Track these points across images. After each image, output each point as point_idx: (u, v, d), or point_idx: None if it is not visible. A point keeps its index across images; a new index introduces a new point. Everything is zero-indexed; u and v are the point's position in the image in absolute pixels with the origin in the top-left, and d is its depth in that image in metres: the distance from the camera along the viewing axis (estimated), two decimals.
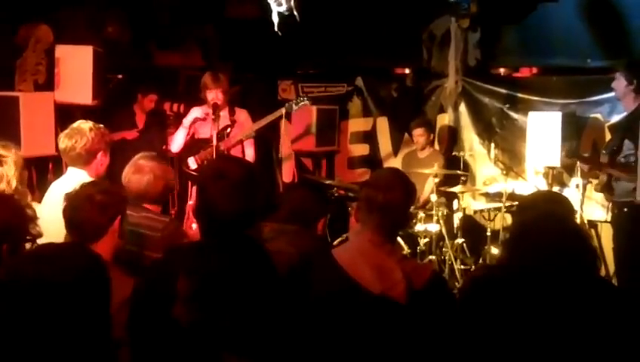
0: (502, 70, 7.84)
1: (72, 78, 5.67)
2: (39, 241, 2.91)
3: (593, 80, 6.61)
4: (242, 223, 2.36)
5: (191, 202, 5.96)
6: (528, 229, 2.52)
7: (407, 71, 8.32)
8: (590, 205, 6.50)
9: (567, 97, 6.94)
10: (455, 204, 7.38)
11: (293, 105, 6.47)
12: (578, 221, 6.03)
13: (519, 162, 7.14)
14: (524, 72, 7.81)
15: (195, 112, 6.09)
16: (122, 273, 2.80)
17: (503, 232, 6.55)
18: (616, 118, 6.29)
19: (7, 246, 2.70)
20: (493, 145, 7.10)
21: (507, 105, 7.46)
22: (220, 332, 2.05)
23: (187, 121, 6.07)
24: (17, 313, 1.88)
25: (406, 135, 7.86)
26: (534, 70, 7.73)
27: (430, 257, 6.69)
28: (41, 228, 2.93)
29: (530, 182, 6.82)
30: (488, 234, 6.77)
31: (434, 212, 6.71)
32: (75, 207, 2.93)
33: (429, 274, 2.64)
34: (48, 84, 5.88)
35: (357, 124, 8.45)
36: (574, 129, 6.71)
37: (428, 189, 7.09)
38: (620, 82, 5.41)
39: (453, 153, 7.50)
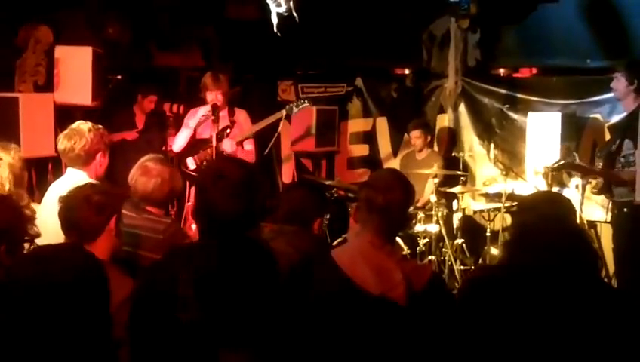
0: (502, 70, 7.84)
1: (71, 79, 5.68)
2: (38, 242, 2.92)
3: (593, 80, 6.62)
4: (242, 224, 2.36)
5: (190, 203, 5.97)
6: (529, 230, 2.51)
7: (406, 71, 8.32)
8: (590, 205, 6.50)
9: (567, 98, 6.95)
10: (455, 205, 7.38)
11: (294, 108, 6.48)
12: (578, 221, 6.03)
13: (519, 162, 7.14)
14: (524, 73, 7.81)
15: (202, 111, 6.06)
16: (120, 272, 2.80)
17: (502, 233, 6.56)
18: (616, 119, 6.28)
19: (5, 247, 2.71)
20: (492, 145, 7.10)
21: (507, 106, 7.47)
22: (220, 332, 2.05)
23: (193, 121, 6.05)
24: (16, 314, 1.88)
25: (406, 135, 7.87)
26: (534, 70, 7.73)
27: (430, 258, 6.69)
28: (39, 229, 2.94)
29: (530, 183, 6.82)
30: (488, 234, 6.77)
31: (433, 212, 6.71)
32: (71, 208, 2.93)
33: (429, 275, 2.64)
34: (48, 84, 5.88)
35: (357, 125, 8.45)
36: (574, 129, 6.71)
37: (428, 191, 7.09)
38: (620, 82, 5.40)
39: (453, 153, 7.50)
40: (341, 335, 2.53)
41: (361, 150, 8.47)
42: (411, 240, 6.71)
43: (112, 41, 7.03)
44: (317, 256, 2.79)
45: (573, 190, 6.41)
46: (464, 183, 7.12)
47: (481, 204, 7.32)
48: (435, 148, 7.92)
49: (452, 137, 7.93)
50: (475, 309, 2.33)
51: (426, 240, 6.75)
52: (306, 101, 6.61)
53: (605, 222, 6.20)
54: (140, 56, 7.64)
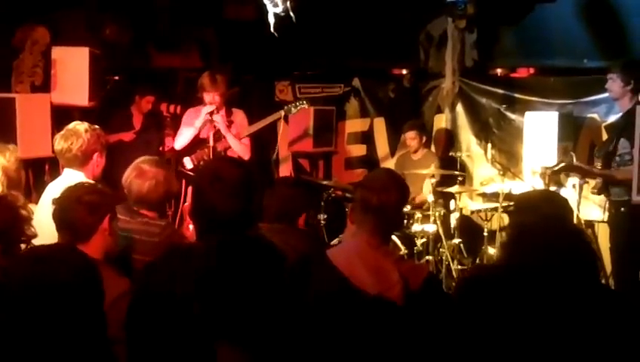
0: (499, 70, 7.83)
1: (68, 80, 5.68)
2: (34, 242, 2.93)
3: (590, 80, 6.61)
4: (240, 224, 2.36)
5: (187, 203, 5.96)
6: (529, 230, 2.51)
7: (404, 71, 8.32)
8: (587, 205, 6.50)
9: (564, 97, 6.95)
10: (452, 205, 7.38)
11: (292, 109, 6.48)
12: (575, 221, 6.04)
13: (516, 162, 7.15)
14: (522, 73, 7.81)
15: (205, 111, 6.02)
16: (113, 271, 2.80)
17: (500, 233, 6.56)
18: (613, 118, 6.29)
19: (2, 247, 2.71)
20: (490, 145, 7.10)
21: (504, 106, 7.47)
22: (222, 328, 2.04)
23: (199, 121, 6.02)
24: (12, 314, 1.88)
25: (402, 136, 7.87)
26: (531, 70, 7.73)
27: (427, 257, 6.69)
28: (35, 229, 2.94)
29: (527, 183, 6.82)
30: (485, 234, 6.77)
31: (431, 212, 6.71)
32: (64, 208, 2.94)
33: (425, 275, 2.65)
34: (45, 85, 5.87)
35: (354, 125, 8.45)
36: (571, 129, 6.71)
37: (426, 190, 7.09)
38: (615, 83, 5.40)
39: (450, 153, 7.51)
40: (339, 335, 2.53)
41: (358, 150, 8.47)
42: (409, 240, 6.70)
43: (110, 41, 7.02)
44: (314, 255, 2.79)
45: (570, 190, 6.41)
46: (461, 183, 7.12)
47: (479, 204, 7.32)
48: (433, 148, 7.92)
49: (449, 137, 7.93)
50: (471, 308, 2.33)
51: (424, 240, 6.75)
52: (304, 102, 6.61)
53: (602, 221, 6.19)
54: (138, 57, 7.64)
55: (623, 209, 5.25)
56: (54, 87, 5.68)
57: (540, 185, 6.60)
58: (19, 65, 6.00)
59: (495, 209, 6.76)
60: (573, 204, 6.05)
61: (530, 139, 6.55)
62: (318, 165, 8.32)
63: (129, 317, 2.29)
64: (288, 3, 5.30)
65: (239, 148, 6.05)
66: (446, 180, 7.08)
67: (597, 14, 6.68)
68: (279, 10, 5.32)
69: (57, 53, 5.75)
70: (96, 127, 4.06)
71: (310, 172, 8.27)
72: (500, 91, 7.51)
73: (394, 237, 6.27)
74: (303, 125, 7.67)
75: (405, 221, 6.74)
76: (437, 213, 6.74)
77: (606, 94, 5.75)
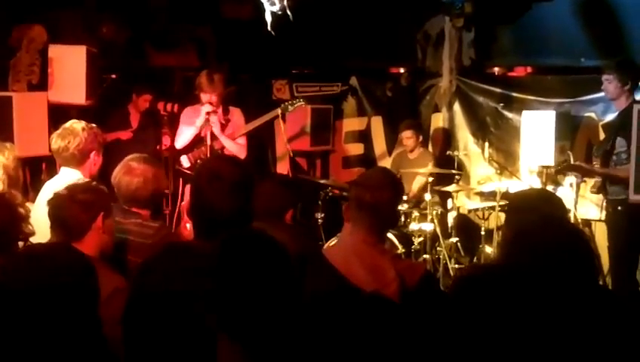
0: (496, 69, 7.84)
1: (65, 78, 5.67)
2: (32, 240, 2.92)
3: (587, 79, 6.61)
4: (238, 222, 2.36)
5: (184, 202, 5.96)
6: (528, 230, 2.50)
7: (401, 70, 8.33)
8: (584, 204, 6.51)
9: (562, 96, 6.95)
10: (449, 203, 7.39)
11: (289, 107, 6.48)
12: (572, 220, 6.05)
13: (513, 161, 7.15)
14: (519, 72, 7.82)
15: (205, 110, 6.01)
16: (107, 268, 2.78)
17: (497, 231, 6.56)
18: (610, 117, 6.29)
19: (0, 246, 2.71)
20: (487, 144, 7.10)
21: (501, 105, 7.47)
22: (228, 326, 2.02)
23: (200, 120, 6.02)
24: (7, 313, 1.87)
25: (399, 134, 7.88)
26: (529, 69, 7.74)
27: (424, 256, 6.69)
28: (33, 227, 2.93)
29: (525, 182, 6.83)
30: (482, 233, 6.78)
31: (428, 211, 6.71)
32: (58, 206, 2.93)
33: (422, 273, 2.66)
34: (42, 84, 5.87)
35: (351, 124, 8.45)
36: (569, 128, 6.71)
37: (416, 185, 7.12)
38: (612, 84, 5.39)
39: (448, 152, 7.51)
40: (336, 333, 2.53)
41: (356, 149, 8.47)
42: (406, 239, 6.70)
43: (107, 40, 7.02)
44: (310, 254, 2.79)
45: (567, 189, 6.42)
46: (458, 182, 7.13)
47: (476, 203, 7.32)
48: (430, 147, 7.93)
49: (447, 136, 7.93)
50: (467, 307, 2.33)
51: (421, 238, 6.76)
52: (300, 100, 6.61)
53: (600, 220, 6.21)
54: (135, 56, 7.64)
55: (620, 208, 5.26)
56: (51, 86, 5.67)
57: (537, 184, 6.62)
58: (16, 64, 6.00)
59: (492, 208, 6.77)
60: (570, 202, 6.09)
61: (527, 138, 6.55)
62: (315, 164, 8.32)
63: (126, 316, 2.29)
64: (285, 2, 5.30)
65: (234, 148, 6.05)
66: (443, 179, 7.08)
67: (594, 13, 6.69)
68: (276, 8, 5.32)
69: (54, 51, 5.74)
70: (94, 125, 4.06)
71: (308, 171, 8.27)
72: (498, 90, 7.51)
73: (391, 236, 6.28)
74: (300, 124, 7.67)
75: (403, 220, 6.75)
76: (434, 212, 6.75)
77: (603, 93, 5.75)
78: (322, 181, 7.32)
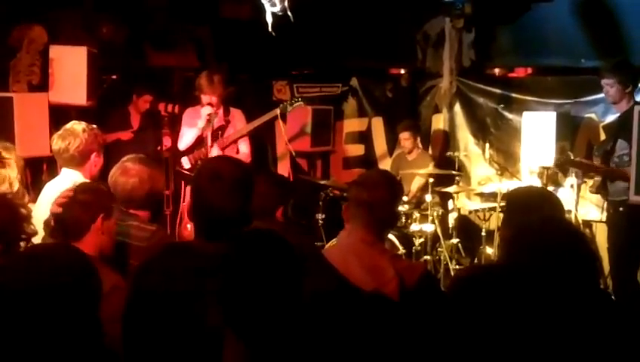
0: (496, 70, 7.84)
1: (66, 79, 5.67)
2: (33, 240, 2.92)
3: (587, 80, 6.62)
4: (239, 222, 2.35)
5: (185, 203, 5.96)
6: (529, 230, 2.50)
7: (402, 71, 8.33)
8: (585, 205, 6.51)
9: (562, 97, 6.96)
10: (450, 204, 7.39)
11: (288, 107, 6.48)
12: (573, 221, 6.05)
13: (514, 162, 7.16)
14: (519, 72, 7.82)
15: (206, 112, 6.00)
16: (105, 267, 2.76)
17: (498, 232, 6.56)
18: (610, 118, 6.30)
19: (2, 247, 2.71)
20: (487, 145, 7.10)
21: (502, 106, 7.47)
22: (235, 325, 2.01)
23: (201, 122, 6.01)
24: (8, 312, 1.87)
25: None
26: (529, 70, 7.74)
27: (425, 257, 6.69)
28: (35, 227, 2.93)
29: (525, 182, 6.83)
30: (483, 234, 6.78)
31: (429, 212, 6.71)
32: (59, 206, 2.93)
33: (421, 273, 2.66)
34: (42, 84, 5.87)
35: (352, 125, 8.46)
36: (569, 129, 6.72)
37: (415, 186, 7.14)
38: (614, 88, 5.37)
39: (448, 153, 7.51)
40: (338, 333, 2.53)
41: (356, 150, 8.48)
42: (407, 239, 6.70)
43: (107, 40, 7.02)
44: (310, 253, 2.80)
45: (568, 189, 6.42)
46: (458, 183, 7.13)
47: (477, 204, 7.33)
48: (430, 147, 7.94)
49: (447, 137, 7.94)
50: (466, 307, 2.33)
51: (422, 239, 6.75)
52: (299, 99, 6.61)
53: (600, 221, 6.21)
54: (134, 56, 7.64)
55: (621, 209, 5.25)
56: (52, 87, 5.67)
57: (537, 184, 6.61)
58: (16, 65, 6.00)
59: (493, 208, 6.77)
60: (571, 203, 6.09)
61: (527, 138, 6.55)
62: (315, 164, 8.32)
63: (126, 316, 2.28)
64: (286, 2, 5.29)
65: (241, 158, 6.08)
66: (444, 180, 7.08)
67: (594, 14, 6.69)
68: (277, 9, 5.32)
69: (55, 52, 5.74)
70: (94, 126, 4.05)
71: (308, 171, 8.27)
72: (498, 91, 7.52)
73: (392, 237, 6.28)
74: (301, 124, 7.68)
75: (403, 221, 6.75)
76: (435, 213, 6.75)
77: (603, 94, 5.74)
78: (323, 182, 7.32)
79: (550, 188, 6.21)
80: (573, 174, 6.24)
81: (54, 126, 4.92)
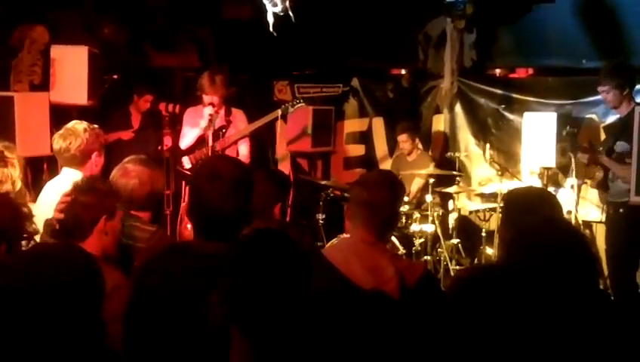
0: (497, 71, 7.85)
1: (67, 79, 5.68)
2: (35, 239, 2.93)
3: (588, 81, 6.60)
4: (238, 221, 2.35)
5: (185, 203, 5.96)
6: (529, 232, 2.50)
7: (402, 72, 8.33)
8: (585, 205, 6.51)
9: (563, 98, 6.95)
10: (450, 205, 7.39)
11: (289, 108, 6.48)
12: (573, 221, 6.04)
13: (515, 163, 7.15)
14: (520, 73, 7.82)
15: (207, 112, 6.01)
16: (108, 267, 2.75)
17: (498, 233, 6.56)
18: (611, 119, 6.30)
19: (5, 245, 2.71)
20: (488, 145, 7.10)
21: (503, 106, 7.47)
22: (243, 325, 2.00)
23: (204, 122, 6.01)
24: (9, 312, 1.88)
25: None
26: (530, 71, 7.75)
27: (425, 257, 6.69)
28: (37, 226, 2.94)
29: (526, 183, 6.82)
30: (483, 234, 6.78)
31: (429, 212, 6.71)
32: (60, 213, 2.91)
33: (421, 272, 2.67)
34: (44, 84, 5.88)
35: (353, 125, 8.46)
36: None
37: (415, 187, 7.15)
38: (611, 94, 5.36)
39: (449, 153, 7.51)
40: (339, 332, 2.53)
41: (357, 150, 8.48)
42: (407, 240, 6.71)
43: (108, 40, 7.03)
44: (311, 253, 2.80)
45: (568, 190, 6.42)
46: (459, 183, 7.13)
47: (477, 204, 7.33)
48: (431, 148, 7.94)
49: (448, 137, 7.94)
50: (465, 307, 2.33)
51: (422, 240, 6.76)
52: (301, 101, 6.62)
53: (601, 222, 6.21)
54: (135, 56, 7.65)
55: (621, 210, 5.25)
56: (53, 86, 5.68)
57: (538, 185, 6.61)
58: (17, 64, 6.01)
59: (493, 209, 6.77)
60: (571, 204, 6.09)
61: (528, 139, 6.55)
62: (316, 165, 8.32)
63: (127, 316, 2.29)
64: (287, 2, 5.30)
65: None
66: (444, 180, 7.08)
67: (595, 15, 6.69)
68: (278, 9, 5.32)
69: (56, 52, 5.75)
70: (95, 126, 4.06)
71: (309, 171, 8.28)
72: (499, 91, 7.52)
73: (392, 238, 6.28)
74: (301, 125, 7.68)
75: (403, 221, 6.75)
76: (435, 213, 6.75)
77: None
78: (323, 182, 7.33)
79: (550, 189, 6.21)
80: (574, 174, 6.23)
81: (55, 125, 4.92)
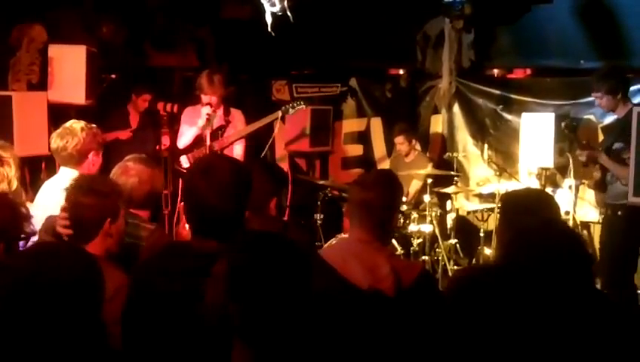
0: (496, 71, 7.86)
1: (65, 78, 5.68)
2: (33, 239, 2.92)
3: (587, 81, 6.57)
4: (234, 219, 2.34)
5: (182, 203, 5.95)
6: (528, 233, 2.50)
7: (401, 72, 8.34)
8: (583, 206, 6.51)
9: (561, 98, 6.96)
10: (448, 205, 7.39)
11: (290, 109, 6.47)
12: (571, 222, 6.05)
13: (513, 163, 7.16)
14: (518, 73, 7.83)
15: (205, 111, 6.01)
16: (111, 267, 2.75)
17: (496, 233, 6.56)
18: (609, 120, 6.30)
19: (3, 245, 2.71)
20: (486, 145, 7.11)
21: (501, 106, 7.48)
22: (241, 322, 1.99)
23: (202, 121, 6.01)
24: (10, 310, 1.88)
25: None
26: (528, 71, 7.75)
27: (423, 257, 6.70)
28: (35, 226, 2.93)
29: (524, 183, 6.83)
30: (482, 234, 6.78)
31: (427, 212, 6.72)
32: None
33: (418, 272, 2.67)
34: (42, 83, 5.87)
35: (351, 125, 8.46)
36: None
37: (413, 189, 7.17)
38: (604, 99, 5.35)
39: (447, 154, 7.52)
40: (338, 332, 2.53)
41: (355, 150, 8.48)
42: (405, 240, 6.72)
43: (107, 40, 7.03)
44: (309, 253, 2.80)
45: (566, 190, 6.43)
46: (457, 183, 7.13)
47: (475, 205, 7.34)
48: (429, 148, 7.94)
49: (446, 138, 7.94)
50: (462, 308, 2.33)
51: (420, 240, 6.76)
52: (302, 102, 6.61)
53: (599, 223, 6.21)
54: (134, 56, 7.64)
55: (620, 213, 5.24)
56: (51, 85, 5.67)
57: (536, 185, 6.62)
58: (15, 63, 6.00)
59: (491, 209, 6.78)
60: (569, 204, 6.10)
61: (526, 139, 6.56)
62: (314, 165, 8.33)
63: (125, 315, 2.28)
64: (286, 2, 5.30)
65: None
66: (442, 180, 7.09)
67: (593, 15, 6.70)
68: (277, 9, 5.32)
69: (54, 51, 5.74)
70: (93, 125, 4.05)
71: (307, 171, 8.28)
72: (497, 92, 7.53)
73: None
74: (300, 125, 7.67)
75: (402, 221, 6.75)
76: (433, 214, 6.76)
77: None
78: (321, 182, 7.33)
79: (548, 190, 6.23)
80: (572, 175, 6.24)
81: (53, 125, 4.92)
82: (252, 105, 7.47)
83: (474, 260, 6.88)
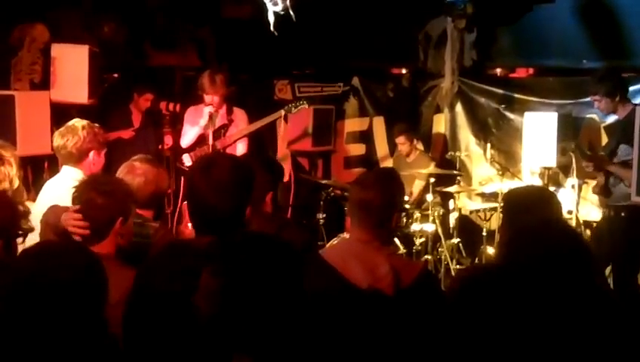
0: (498, 70, 7.85)
1: (67, 77, 5.69)
2: (31, 236, 2.92)
3: (589, 81, 6.61)
4: (236, 217, 2.34)
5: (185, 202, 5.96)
6: (529, 232, 2.50)
7: (403, 71, 8.34)
8: (586, 205, 6.50)
9: (563, 98, 6.95)
10: (451, 204, 7.39)
11: (292, 108, 6.48)
12: (574, 221, 6.04)
13: (515, 162, 7.15)
14: (520, 73, 7.82)
15: (207, 111, 6.01)
16: (122, 267, 2.74)
17: (498, 232, 6.56)
18: (612, 119, 6.28)
19: (2, 242, 2.72)
20: (489, 145, 7.10)
21: (503, 106, 7.47)
22: (237, 331, 1.99)
23: (204, 120, 6.02)
24: (11, 310, 1.88)
25: None
26: (530, 71, 7.75)
27: (426, 257, 6.70)
28: (32, 223, 2.93)
29: (526, 183, 6.82)
30: (484, 234, 6.77)
31: (430, 212, 6.72)
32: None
33: (419, 271, 2.66)
34: (44, 83, 5.88)
35: (353, 124, 8.46)
36: (570, 129, 6.70)
37: (416, 189, 7.17)
38: (602, 102, 5.36)
39: (449, 153, 7.51)
40: (337, 332, 2.53)
41: (357, 149, 8.48)
42: (408, 239, 6.72)
43: (108, 39, 7.03)
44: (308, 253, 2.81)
45: (569, 190, 6.42)
46: (459, 183, 7.13)
47: (478, 204, 7.33)
48: (431, 148, 7.94)
49: (448, 137, 7.94)
50: (464, 307, 2.33)
51: (422, 239, 6.76)
52: (304, 102, 6.61)
53: None
54: (135, 55, 7.65)
55: (623, 214, 5.23)
56: (53, 85, 5.69)
57: (538, 184, 6.61)
58: (18, 63, 6.01)
59: (494, 209, 6.77)
60: (572, 204, 6.09)
61: (529, 139, 6.55)
62: (317, 164, 8.32)
63: (127, 315, 2.28)
64: (288, 2, 5.30)
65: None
66: (445, 180, 7.08)
67: (596, 15, 6.69)
68: (279, 8, 5.32)
69: (56, 50, 5.76)
70: (95, 125, 4.05)
71: (309, 171, 8.28)
72: (499, 91, 7.52)
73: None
74: (302, 124, 7.67)
75: (404, 220, 6.75)
76: (436, 213, 6.75)
77: None
78: (324, 181, 7.34)
79: (551, 189, 6.21)
80: (575, 174, 6.23)
81: (56, 124, 4.92)
82: (254, 104, 7.47)
83: (476, 259, 6.87)
